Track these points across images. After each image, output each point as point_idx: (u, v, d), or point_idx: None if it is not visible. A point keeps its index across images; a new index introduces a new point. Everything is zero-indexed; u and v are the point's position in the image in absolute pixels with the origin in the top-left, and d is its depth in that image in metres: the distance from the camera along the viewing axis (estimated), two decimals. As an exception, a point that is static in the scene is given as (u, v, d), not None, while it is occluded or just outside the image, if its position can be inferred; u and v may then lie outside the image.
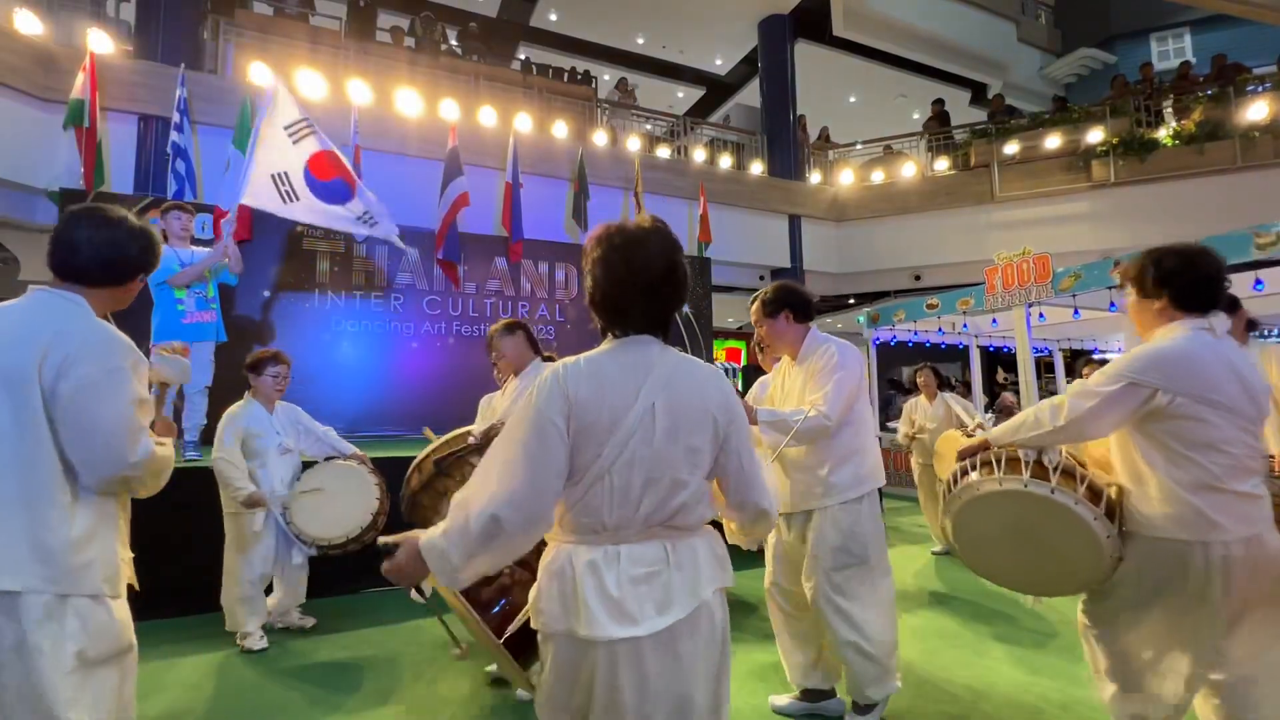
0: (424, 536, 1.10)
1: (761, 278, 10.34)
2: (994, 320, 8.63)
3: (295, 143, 4.68)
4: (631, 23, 12.50)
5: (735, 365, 14.85)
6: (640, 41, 13.25)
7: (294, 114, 4.72)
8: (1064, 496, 1.67)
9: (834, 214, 10.72)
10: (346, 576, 3.77)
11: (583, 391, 1.13)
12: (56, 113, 5.92)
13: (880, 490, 2.41)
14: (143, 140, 6.41)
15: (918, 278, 10.27)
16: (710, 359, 8.88)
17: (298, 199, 4.69)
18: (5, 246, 7.09)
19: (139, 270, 1.46)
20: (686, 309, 8.15)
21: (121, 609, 1.34)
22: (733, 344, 15.04)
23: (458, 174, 6.63)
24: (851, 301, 11.80)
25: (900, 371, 13.32)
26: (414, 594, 1.33)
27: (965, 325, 8.57)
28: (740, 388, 14.52)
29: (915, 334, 8.56)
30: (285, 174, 4.64)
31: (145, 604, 2.26)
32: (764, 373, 3.04)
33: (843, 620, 2.23)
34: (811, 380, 2.28)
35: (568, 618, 1.11)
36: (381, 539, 1.17)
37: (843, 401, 2.19)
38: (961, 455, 1.91)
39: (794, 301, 2.39)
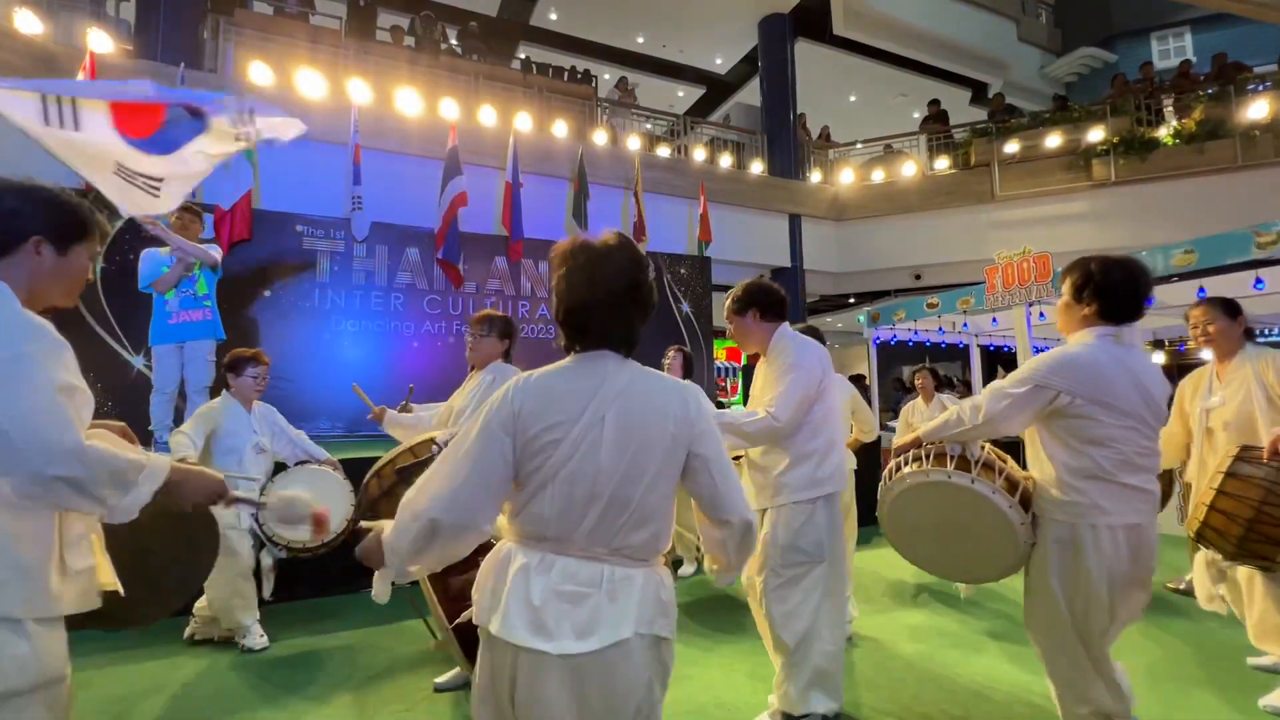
0: (386, 529, 1.17)
1: (762, 276, 10.31)
2: (994, 319, 8.63)
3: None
4: (631, 22, 12.49)
5: (736, 365, 14.85)
6: (640, 41, 13.24)
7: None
8: (982, 486, 1.88)
9: (834, 213, 10.72)
10: (349, 577, 3.77)
11: (529, 405, 1.15)
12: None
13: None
14: (143, 140, 6.41)
15: (918, 277, 10.27)
16: (711, 358, 8.88)
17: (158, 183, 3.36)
18: (5, 246, 7.10)
19: (26, 229, 1.21)
20: (686, 308, 8.15)
21: (48, 636, 1.15)
22: (733, 343, 15.02)
23: (457, 173, 6.63)
24: (852, 301, 11.80)
25: (902, 371, 13.33)
26: (375, 593, 1.34)
27: (965, 324, 8.57)
28: (741, 387, 14.51)
29: (916, 333, 8.55)
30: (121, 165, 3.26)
31: (145, 603, 2.26)
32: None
33: (782, 622, 2.20)
34: (770, 380, 2.28)
35: (490, 613, 1.13)
36: (363, 522, 1.23)
37: (794, 403, 2.16)
38: (896, 452, 2.09)
39: (761, 300, 2.39)
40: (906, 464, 2.05)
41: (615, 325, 1.21)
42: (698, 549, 4.45)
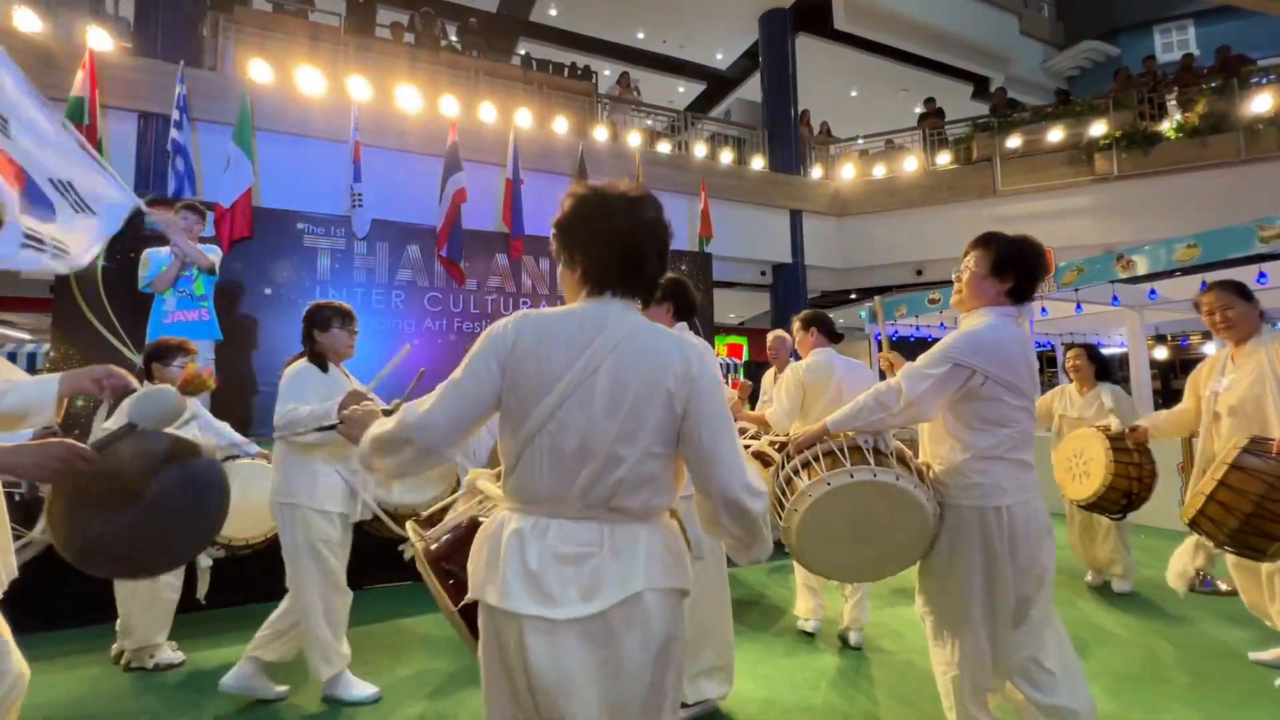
0: (377, 423, 1.20)
1: (763, 273, 10.32)
2: (996, 315, 8.61)
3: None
4: (631, 17, 12.45)
5: (737, 360, 14.85)
6: (640, 36, 13.19)
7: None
8: (906, 482, 1.77)
9: (835, 209, 10.69)
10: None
11: (525, 340, 1.10)
12: (56, 110, 5.91)
13: None
14: (143, 138, 6.41)
15: (920, 272, 10.25)
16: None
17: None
18: (7, 245, 7.10)
19: None
20: (688, 305, 8.12)
21: None
22: (734, 339, 15.03)
23: (457, 170, 6.61)
24: (853, 297, 11.77)
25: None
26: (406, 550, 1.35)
27: (967, 320, 8.53)
28: (741, 383, 14.50)
29: (918, 329, 8.54)
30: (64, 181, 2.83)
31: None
32: (766, 367, 3.09)
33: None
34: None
35: (486, 585, 1.08)
36: (349, 409, 1.32)
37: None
38: (799, 446, 1.89)
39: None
40: (816, 461, 1.83)
41: (643, 270, 1.17)
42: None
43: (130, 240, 5.43)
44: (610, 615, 1.03)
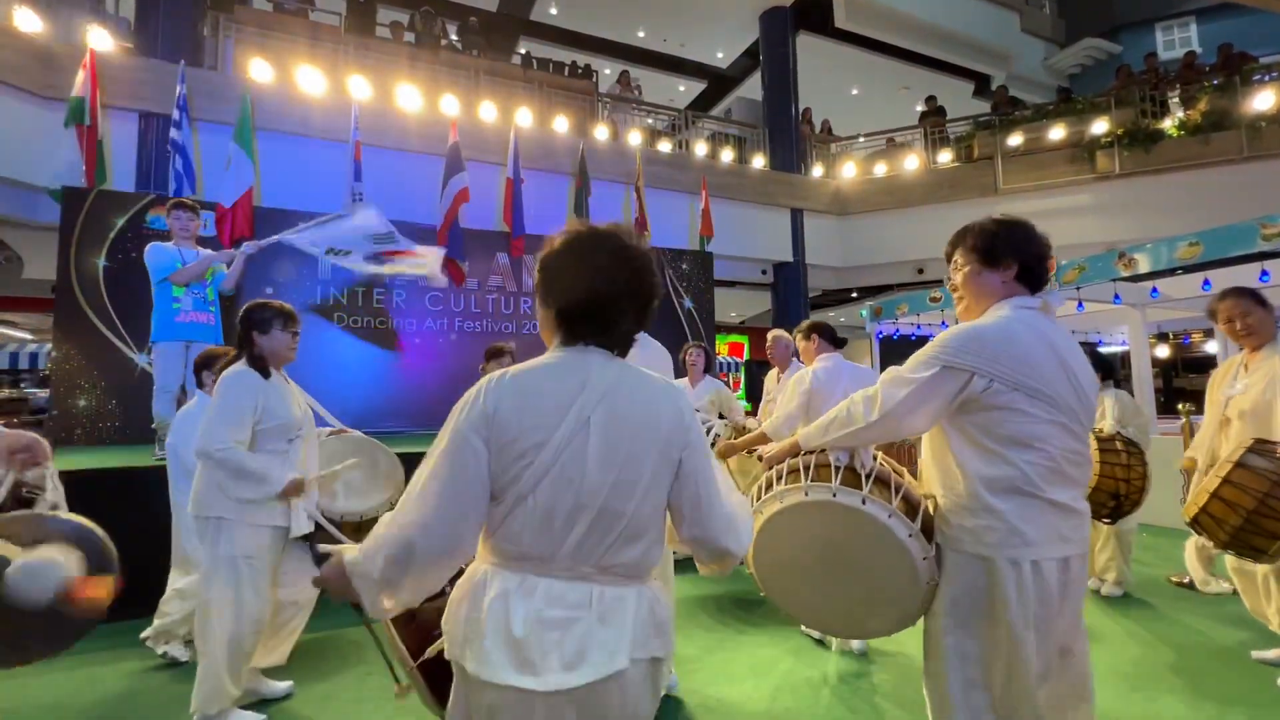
0: (349, 553, 1.02)
1: (764, 272, 10.31)
2: (997, 313, 8.60)
3: (375, 244, 4.47)
4: (632, 16, 12.43)
5: (738, 360, 14.84)
6: (641, 35, 13.18)
7: (384, 227, 4.54)
8: (875, 507, 1.44)
9: (836, 207, 10.69)
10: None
11: (504, 406, 1.01)
12: (57, 110, 5.92)
13: None
14: (144, 137, 6.41)
15: (921, 271, 10.24)
16: (713, 354, 8.86)
17: (347, 258, 4.45)
18: (8, 245, 7.11)
19: None
20: (689, 303, 8.13)
21: None
22: (735, 338, 15.02)
23: (459, 169, 6.61)
24: (854, 295, 11.76)
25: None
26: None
27: (969, 318, 8.52)
28: (743, 382, 14.48)
29: (919, 328, 8.53)
30: (345, 252, 4.44)
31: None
32: (767, 366, 3.07)
33: None
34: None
35: (465, 647, 1.00)
36: (322, 546, 1.10)
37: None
38: (769, 462, 1.67)
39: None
40: (780, 479, 1.59)
41: (617, 323, 1.09)
42: None
43: (134, 240, 5.45)
44: (592, 688, 0.98)
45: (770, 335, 4.39)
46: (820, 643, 3.00)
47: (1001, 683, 1.38)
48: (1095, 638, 3.07)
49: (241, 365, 2.29)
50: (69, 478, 3.39)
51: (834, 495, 1.47)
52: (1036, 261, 1.51)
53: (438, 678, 1.13)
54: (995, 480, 1.37)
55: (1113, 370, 3.88)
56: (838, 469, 1.53)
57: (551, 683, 0.96)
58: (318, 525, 2.40)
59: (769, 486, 1.61)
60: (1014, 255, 1.50)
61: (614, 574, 1.03)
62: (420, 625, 1.21)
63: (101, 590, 1.33)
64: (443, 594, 1.14)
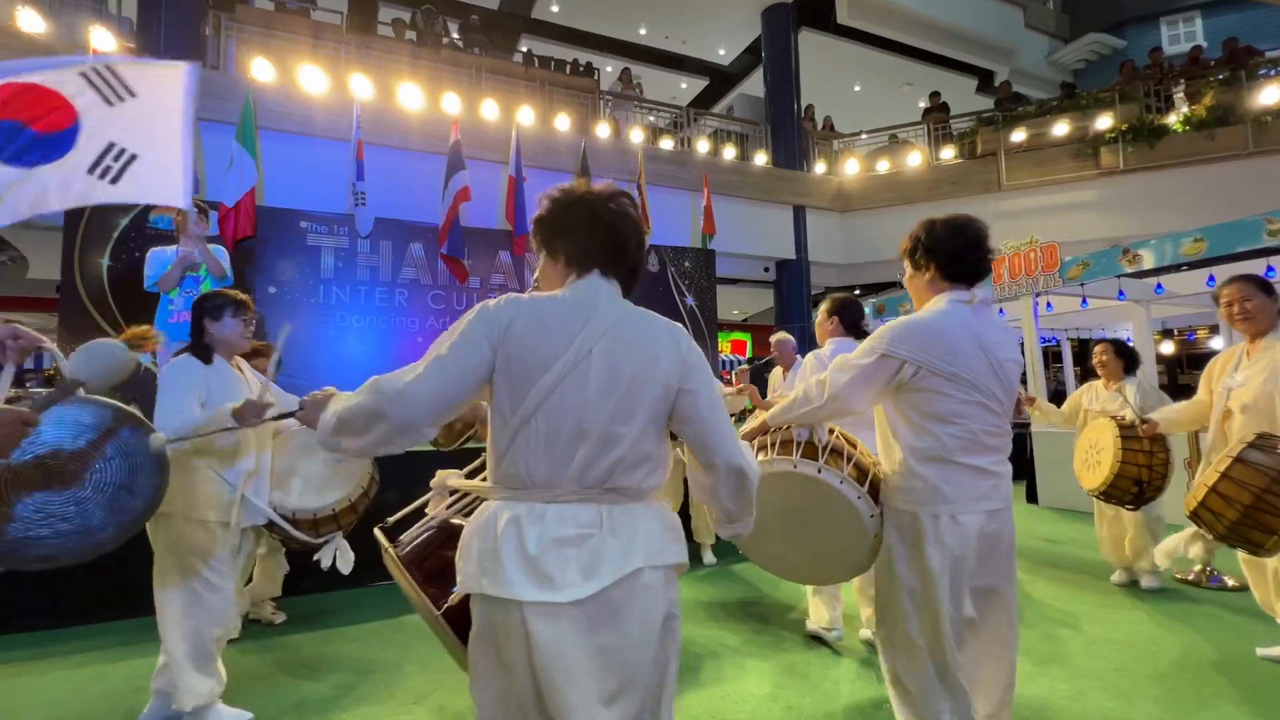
0: (336, 404, 1.14)
1: (766, 269, 10.30)
2: (1001, 310, 8.58)
3: None
4: (633, 13, 12.41)
5: (740, 357, 14.83)
6: (642, 32, 13.16)
7: None
8: (830, 475, 1.70)
9: (839, 204, 10.66)
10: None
11: (519, 322, 1.08)
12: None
13: None
14: (146, 137, 6.42)
15: (924, 268, 10.21)
16: (715, 351, 8.85)
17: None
18: (12, 245, 7.14)
19: None
20: (691, 300, 8.12)
21: None
22: (738, 336, 15.01)
23: (460, 168, 6.61)
24: (857, 293, 11.74)
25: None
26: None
27: (972, 315, 8.50)
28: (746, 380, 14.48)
29: (921, 324, 8.51)
30: None
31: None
32: (770, 365, 3.03)
33: None
34: None
35: (482, 576, 1.04)
36: (308, 397, 1.26)
37: None
38: (743, 438, 1.89)
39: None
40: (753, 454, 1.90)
41: (625, 250, 1.19)
42: (715, 538, 4.46)
43: (137, 240, 5.46)
44: (611, 594, 1.03)
45: (774, 338, 4.40)
46: (823, 642, 2.99)
47: (930, 616, 1.64)
48: (1104, 634, 3.06)
49: (183, 354, 2.30)
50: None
51: (794, 466, 1.73)
52: (956, 258, 1.72)
53: (460, 626, 1.17)
54: (920, 450, 1.64)
55: (1135, 360, 3.88)
56: (799, 444, 1.78)
57: (571, 594, 1.01)
58: (271, 522, 2.35)
59: None
60: (929, 257, 1.75)
61: (619, 494, 1.09)
62: (433, 578, 1.27)
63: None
64: (452, 546, 1.19)
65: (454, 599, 1.18)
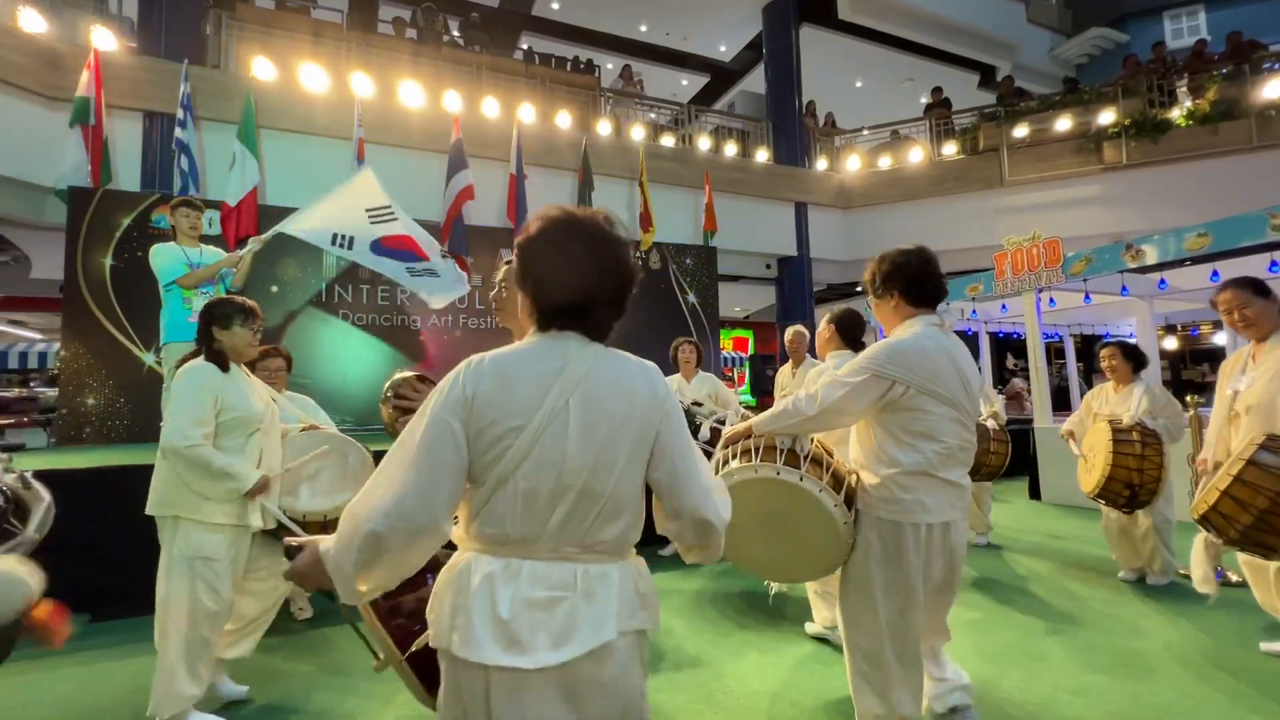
0: (324, 543, 1.01)
1: (768, 266, 10.29)
2: (1003, 306, 8.57)
3: (373, 223, 4.49)
4: (634, 10, 12.38)
5: (742, 355, 14.82)
6: (643, 29, 13.13)
7: (380, 199, 4.47)
8: (810, 484, 1.81)
9: (841, 201, 10.64)
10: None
11: (484, 388, 1.02)
12: (62, 111, 5.94)
13: None
14: (148, 136, 6.44)
15: (926, 264, 10.18)
16: (717, 348, 8.84)
17: (351, 250, 4.49)
18: (15, 245, 7.16)
19: None
20: (693, 298, 8.12)
21: None
22: (740, 333, 15.00)
23: (462, 166, 6.61)
24: (859, 290, 11.72)
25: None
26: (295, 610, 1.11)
27: (974, 312, 8.51)
28: (747, 377, 14.47)
29: (924, 321, 8.49)
30: (348, 237, 4.42)
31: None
32: (771, 360, 2.99)
33: None
34: None
35: (453, 633, 1.00)
36: (287, 540, 1.08)
37: None
38: (725, 443, 2.02)
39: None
40: (735, 457, 1.94)
41: (594, 310, 1.10)
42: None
43: (139, 239, 5.48)
44: (581, 665, 1.00)
45: (790, 331, 4.39)
46: (827, 641, 2.99)
47: (898, 609, 1.82)
48: (1106, 627, 3.06)
49: (199, 360, 2.30)
50: (78, 475, 3.43)
51: (778, 473, 1.83)
52: (912, 283, 1.89)
53: (427, 670, 1.12)
54: (907, 464, 1.78)
55: (1143, 361, 3.84)
56: (781, 451, 1.88)
57: (540, 660, 0.97)
58: (280, 524, 2.36)
59: (725, 463, 1.94)
60: (887, 285, 1.93)
61: (596, 552, 1.05)
62: (405, 618, 1.21)
63: (61, 621, 1.23)
64: (425, 584, 1.14)
65: (418, 645, 1.11)
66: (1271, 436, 2.31)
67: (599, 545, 1.05)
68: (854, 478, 1.90)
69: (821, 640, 2.98)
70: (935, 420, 1.76)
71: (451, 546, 1.16)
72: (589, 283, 1.09)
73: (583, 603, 1.02)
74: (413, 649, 1.12)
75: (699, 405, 3.81)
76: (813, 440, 1.95)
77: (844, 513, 1.81)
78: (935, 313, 1.89)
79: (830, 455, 1.94)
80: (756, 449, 1.90)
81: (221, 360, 2.32)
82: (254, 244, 4.01)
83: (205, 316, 2.34)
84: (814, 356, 3.30)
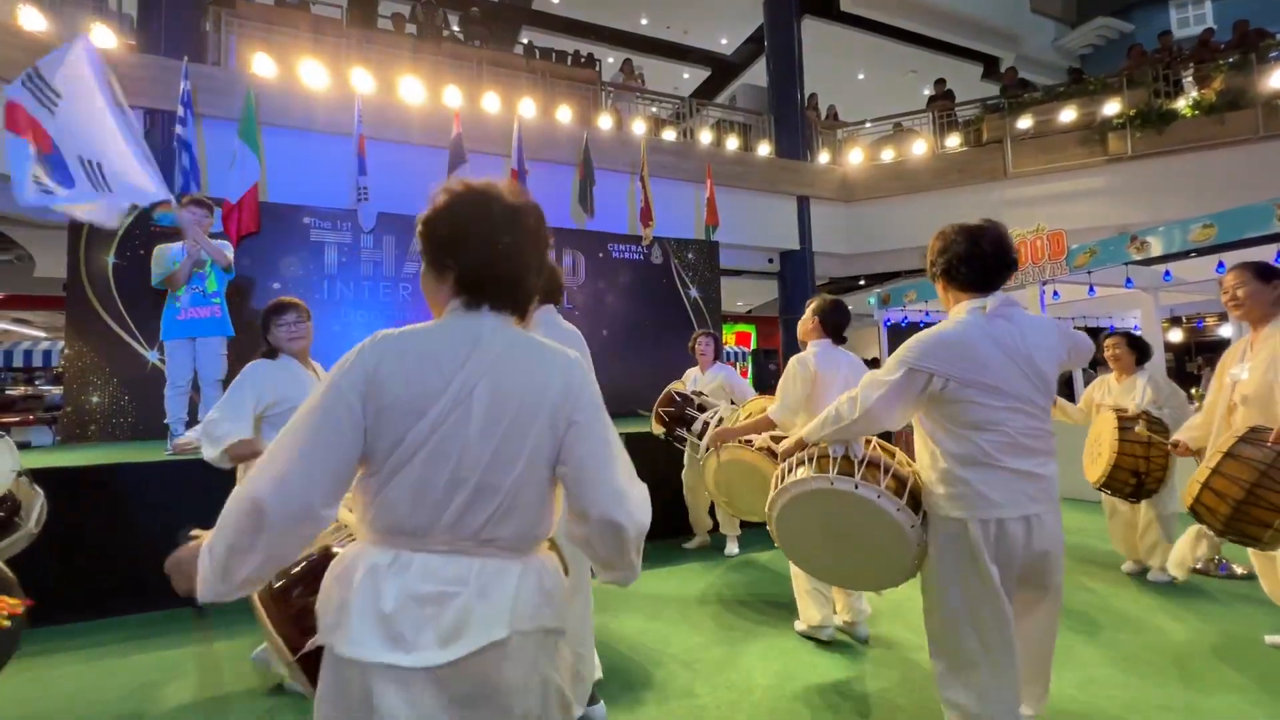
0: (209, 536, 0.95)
1: (770, 260, 10.25)
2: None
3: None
4: (634, 3, 12.33)
5: (745, 349, 14.81)
6: (644, 22, 13.07)
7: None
8: (866, 490, 1.74)
9: (843, 194, 10.59)
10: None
11: (386, 367, 0.97)
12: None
13: None
14: (149, 134, 6.43)
15: (929, 257, 10.15)
16: (720, 343, 8.82)
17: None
18: (19, 244, 7.18)
19: None
20: (694, 292, 8.10)
21: None
22: (743, 327, 14.98)
23: (462, 161, 6.60)
24: (862, 283, 11.69)
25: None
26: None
27: (978, 305, 8.45)
28: (750, 371, 14.45)
29: (927, 314, 8.47)
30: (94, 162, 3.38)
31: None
32: (773, 355, 2.99)
33: None
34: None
35: (336, 629, 0.94)
36: (195, 531, 1.03)
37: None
38: (781, 457, 1.98)
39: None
40: (791, 470, 1.92)
41: (519, 284, 1.06)
42: (740, 525, 4.46)
43: (142, 237, 5.48)
44: (469, 664, 0.93)
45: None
46: (824, 642, 2.97)
47: (979, 613, 1.67)
48: (1113, 621, 3.05)
49: (258, 357, 2.60)
50: (81, 474, 3.45)
51: (831, 483, 1.78)
52: (966, 266, 1.73)
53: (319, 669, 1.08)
54: (961, 455, 1.67)
55: (1147, 352, 3.83)
56: (835, 459, 1.83)
57: (424, 659, 0.91)
58: None
59: (782, 479, 1.92)
60: (942, 272, 1.79)
61: (495, 547, 0.99)
62: (296, 616, 1.13)
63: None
64: (319, 581, 1.09)
65: (310, 646, 1.05)
66: (1253, 429, 2.32)
67: (498, 540, 0.99)
68: (918, 477, 1.81)
69: (809, 639, 2.96)
70: (987, 411, 1.63)
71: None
72: (500, 254, 1.03)
73: (476, 600, 0.95)
74: (304, 650, 1.05)
75: (700, 395, 3.82)
76: (869, 442, 1.87)
77: (909, 515, 1.72)
78: (983, 296, 1.73)
79: (891, 456, 1.87)
80: (810, 459, 1.86)
81: (272, 352, 2.61)
82: (188, 245, 4.04)
83: (261, 317, 2.67)
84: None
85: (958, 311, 1.75)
